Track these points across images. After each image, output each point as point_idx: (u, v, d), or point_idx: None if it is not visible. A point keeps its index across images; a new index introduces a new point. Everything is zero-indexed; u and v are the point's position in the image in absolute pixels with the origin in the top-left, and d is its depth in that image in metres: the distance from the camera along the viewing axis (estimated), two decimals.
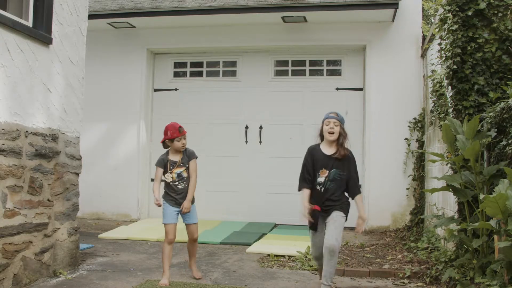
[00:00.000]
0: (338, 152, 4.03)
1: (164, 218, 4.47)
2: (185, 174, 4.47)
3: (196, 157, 4.56)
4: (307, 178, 4.05)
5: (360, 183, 7.83)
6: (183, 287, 4.27)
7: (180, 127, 4.45)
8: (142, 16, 7.90)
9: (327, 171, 4.03)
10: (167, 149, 4.55)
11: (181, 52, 8.63)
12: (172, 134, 4.43)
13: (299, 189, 4.10)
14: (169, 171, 4.45)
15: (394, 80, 7.63)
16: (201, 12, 7.66)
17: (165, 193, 4.51)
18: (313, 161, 4.07)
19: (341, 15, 7.61)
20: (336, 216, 4.06)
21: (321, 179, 4.04)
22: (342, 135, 4.04)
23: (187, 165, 4.49)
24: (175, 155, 4.51)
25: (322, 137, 4.14)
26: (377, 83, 7.69)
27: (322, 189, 4.04)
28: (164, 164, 4.48)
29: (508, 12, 4.79)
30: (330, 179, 4.02)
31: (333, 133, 4.03)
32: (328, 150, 4.08)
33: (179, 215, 4.51)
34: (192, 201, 4.51)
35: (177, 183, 4.45)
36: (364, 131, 7.84)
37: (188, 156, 4.51)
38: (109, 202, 8.27)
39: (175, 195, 4.45)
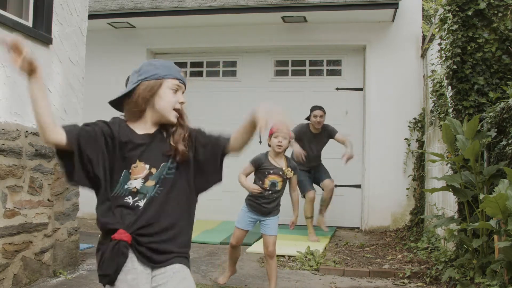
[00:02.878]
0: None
1: (237, 221, 4.15)
2: (279, 187, 4.00)
3: (299, 172, 4.16)
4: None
5: (360, 182, 7.97)
6: None
7: None
8: (142, 16, 7.90)
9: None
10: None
11: (181, 52, 8.62)
12: (271, 130, 3.92)
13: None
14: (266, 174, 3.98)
15: (394, 80, 7.63)
16: (201, 12, 7.65)
17: (249, 197, 4.12)
18: None
19: (341, 15, 7.61)
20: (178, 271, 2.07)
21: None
22: None
23: (287, 178, 4.02)
24: (277, 160, 4.03)
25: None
26: (377, 83, 7.69)
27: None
28: (258, 164, 4.01)
29: (508, 12, 4.79)
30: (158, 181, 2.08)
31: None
32: None
33: (258, 223, 4.11)
34: (277, 213, 4.09)
35: (270, 191, 4.00)
36: (364, 131, 7.84)
37: (293, 169, 4.04)
38: None
39: (262, 202, 4.01)
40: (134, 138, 1.96)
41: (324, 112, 6.67)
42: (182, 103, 2.02)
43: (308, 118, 6.74)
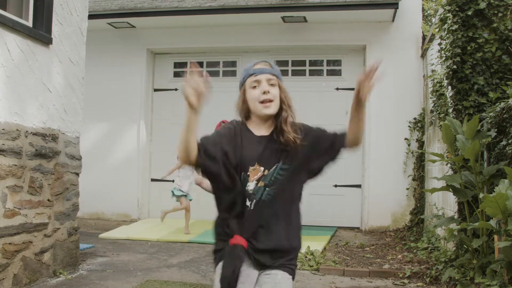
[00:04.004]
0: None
1: None
2: None
3: None
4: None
5: (360, 182, 7.97)
6: (183, 287, 4.27)
7: None
8: (142, 16, 7.90)
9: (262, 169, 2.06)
10: None
11: (181, 52, 8.62)
12: None
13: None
14: None
15: (394, 80, 7.63)
16: (201, 12, 7.66)
17: None
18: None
19: (341, 15, 7.61)
20: (281, 282, 2.00)
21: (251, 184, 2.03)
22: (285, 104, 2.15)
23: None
24: None
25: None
26: (377, 83, 7.68)
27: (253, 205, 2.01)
28: None
29: (508, 12, 4.79)
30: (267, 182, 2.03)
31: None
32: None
33: None
34: None
35: None
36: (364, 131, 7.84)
37: None
38: (109, 202, 8.26)
39: None
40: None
41: None
42: (265, 92, 2.03)
43: None
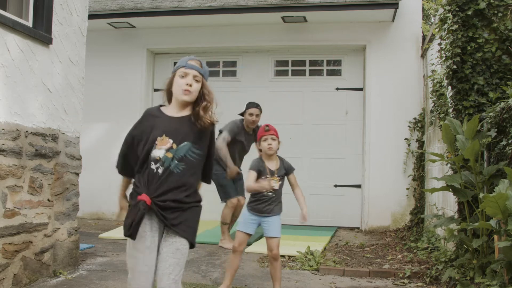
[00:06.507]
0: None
1: (239, 225, 4.06)
2: (277, 186, 3.96)
3: (294, 169, 4.10)
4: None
5: (360, 182, 7.97)
6: (183, 286, 4.26)
7: (267, 125, 3.98)
8: (142, 16, 7.90)
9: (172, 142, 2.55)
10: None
11: (181, 52, 8.60)
12: (259, 134, 3.98)
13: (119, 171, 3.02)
14: (263, 179, 3.93)
15: (394, 80, 7.64)
16: (201, 12, 7.66)
17: (250, 201, 4.04)
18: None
19: (341, 15, 7.61)
20: (178, 243, 2.53)
21: (159, 152, 2.54)
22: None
23: (283, 177, 4.02)
24: (270, 162, 3.99)
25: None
26: (377, 83, 7.69)
27: (160, 170, 2.51)
28: (258, 169, 3.95)
29: (508, 12, 4.79)
30: (177, 156, 2.52)
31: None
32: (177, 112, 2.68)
33: (259, 226, 4.04)
34: (279, 211, 4.04)
35: (270, 192, 3.96)
36: (364, 131, 7.84)
37: (286, 169, 4.04)
38: (109, 202, 8.26)
39: (261, 203, 3.96)
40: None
41: (261, 111, 6.06)
42: (188, 84, 2.54)
43: (242, 114, 6.13)
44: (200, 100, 2.57)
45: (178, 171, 2.46)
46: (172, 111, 2.60)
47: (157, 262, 2.49)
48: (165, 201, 2.45)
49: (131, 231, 2.41)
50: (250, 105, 6.06)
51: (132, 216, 2.43)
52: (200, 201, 2.63)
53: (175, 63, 2.56)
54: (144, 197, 2.45)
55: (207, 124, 2.53)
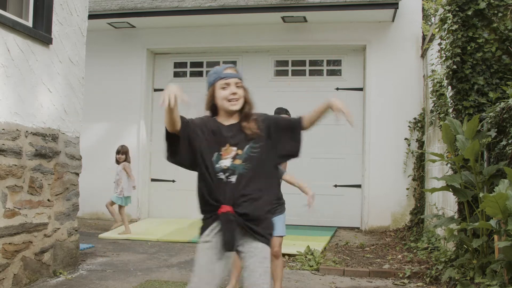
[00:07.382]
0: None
1: None
2: None
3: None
4: None
5: (360, 182, 7.97)
6: (183, 287, 4.26)
7: None
8: (142, 16, 7.90)
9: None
10: None
11: (181, 52, 8.63)
12: None
13: None
14: None
15: (394, 80, 7.63)
16: (201, 12, 7.66)
17: None
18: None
19: (341, 15, 7.61)
20: (259, 249, 2.50)
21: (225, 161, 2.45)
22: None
23: None
24: None
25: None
26: (377, 83, 7.69)
27: (233, 179, 2.43)
28: None
29: (508, 12, 4.79)
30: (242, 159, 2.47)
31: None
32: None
33: None
34: (282, 211, 3.89)
35: None
36: (364, 131, 7.84)
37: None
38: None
39: None
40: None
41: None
42: (234, 93, 2.48)
43: None
44: (243, 106, 2.52)
45: (245, 170, 2.41)
46: (224, 120, 2.52)
47: (245, 273, 2.52)
48: (245, 209, 2.37)
49: (233, 242, 2.39)
50: (279, 110, 5.97)
51: (224, 230, 2.36)
52: (279, 199, 2.79)
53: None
54: (226, 208, 2.36)
55: (254, 134, 2.45)
